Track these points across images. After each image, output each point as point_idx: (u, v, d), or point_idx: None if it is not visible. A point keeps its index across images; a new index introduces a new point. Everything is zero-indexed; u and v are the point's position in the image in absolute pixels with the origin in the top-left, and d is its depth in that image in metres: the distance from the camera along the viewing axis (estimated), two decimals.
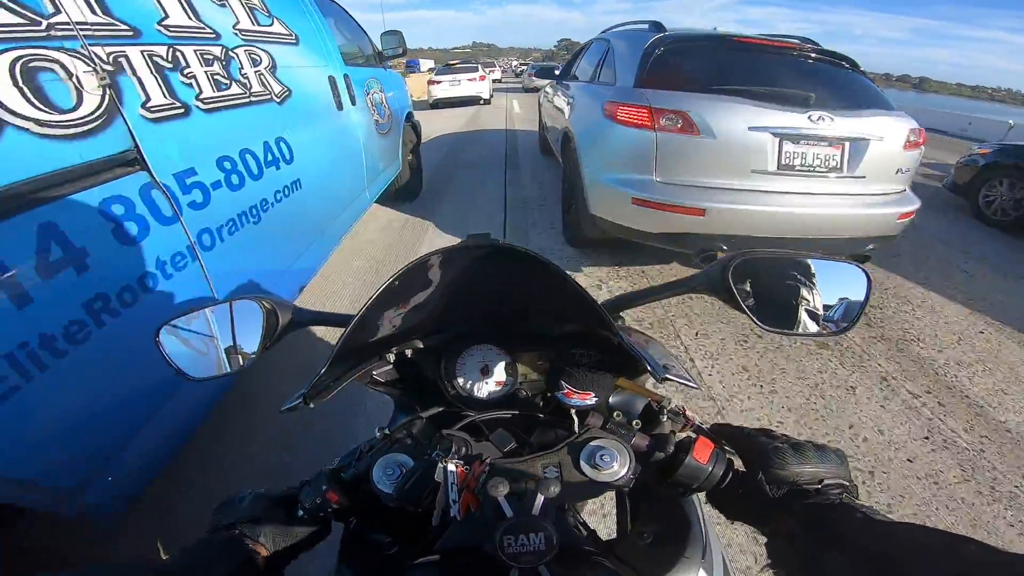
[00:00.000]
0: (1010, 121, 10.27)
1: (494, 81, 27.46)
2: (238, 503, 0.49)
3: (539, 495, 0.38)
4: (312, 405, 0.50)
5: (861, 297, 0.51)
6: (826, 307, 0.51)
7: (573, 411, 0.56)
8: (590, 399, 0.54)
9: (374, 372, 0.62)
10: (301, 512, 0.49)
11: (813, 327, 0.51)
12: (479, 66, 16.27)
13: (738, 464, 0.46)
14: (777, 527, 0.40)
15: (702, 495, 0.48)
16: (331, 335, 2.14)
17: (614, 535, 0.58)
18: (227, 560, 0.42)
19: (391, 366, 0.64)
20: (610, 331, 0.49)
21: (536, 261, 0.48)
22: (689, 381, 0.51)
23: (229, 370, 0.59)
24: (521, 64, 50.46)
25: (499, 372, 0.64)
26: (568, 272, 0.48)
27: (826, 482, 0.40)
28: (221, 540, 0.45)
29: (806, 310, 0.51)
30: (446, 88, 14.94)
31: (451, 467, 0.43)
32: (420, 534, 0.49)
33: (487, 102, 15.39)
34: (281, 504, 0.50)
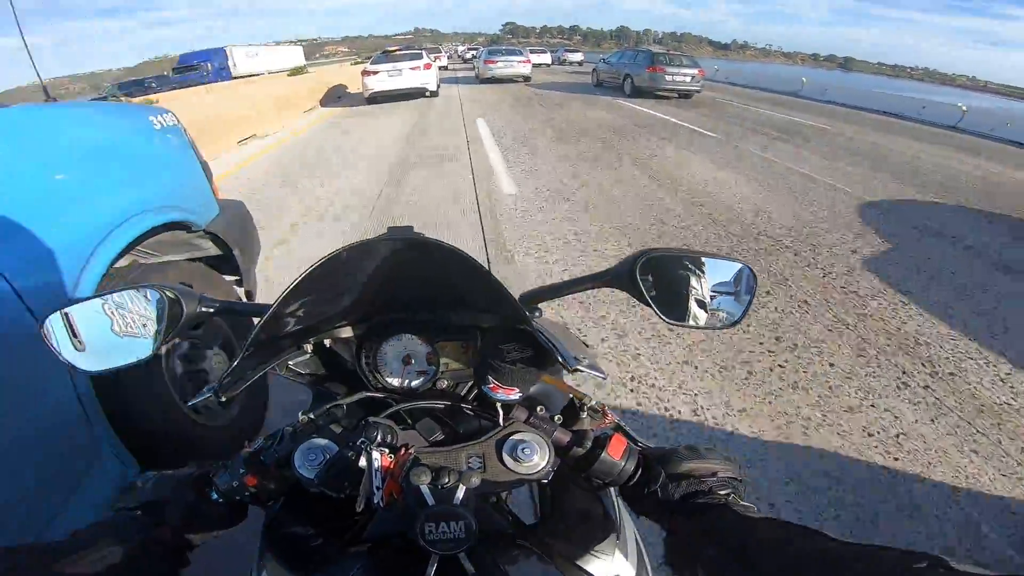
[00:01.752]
0: (961, 105, 11.32)
1: (441, 69, 24.13)
2: (142, 485, 0.48)
3: (460, 485, 0.40)
4: (224, 399, 0.51)
5: (748, 291, 0.56)
6: (717, 300, 0.56)
7: (498, 404, 0.56)
8: (514, 394, 0.55)
9: (291, 362, 0.61)
10: (215, 495, 0.48)
11: (705, 319, 0.56)
12: (423, 52, 13.04)
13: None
14: (674, 523, 0.44)
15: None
16: None
17: (534, 520, 0.60)
18: (123, 541, 0.41)
19: (309, 356, 0.63)
20: (524, 322, 0.52)
21: (455, 254, 0.48)
22: (599, 373, 0.55)
23: (125, 362, 0.55)
24: (469, 48, 44.63)
25: (420, 362, 0.64)
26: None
27: (719, 474, 0.45)
28: (118, 521, 0.44)
29: (700, 304, 0.56)
30: (383, 80, 12.36)
31: (376, 454, 0.43)
32: (342, 522, 0.51)
33: (434, 94, 13.06)
34: (190, 485, 0.48)
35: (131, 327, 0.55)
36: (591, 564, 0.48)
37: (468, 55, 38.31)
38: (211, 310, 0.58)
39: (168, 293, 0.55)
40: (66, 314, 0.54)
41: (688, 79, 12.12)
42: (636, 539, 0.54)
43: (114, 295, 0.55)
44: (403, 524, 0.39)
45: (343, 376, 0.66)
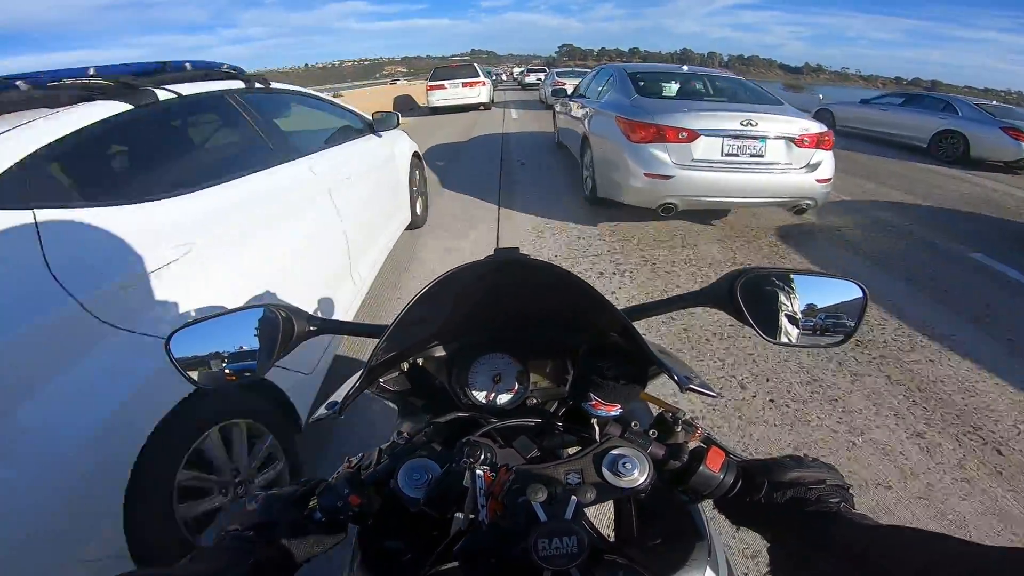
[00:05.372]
0: None
1: (480, 108, 12.21)
2: (250, 505, 0.48)
3: (573, 499, 0.39)
4: (343, 416, 0.54)
5: (857, 309, 0.54)
6: (825, 319, 0.54)
7: (594, 420, 0.57)
8: (616, 411, 0.55)
9: (381, 379, 0.63)
10: (319, 514, 0.47)
11: (812, 339, 0.55)
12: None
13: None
14: (778, 533, 0.43)
15: (708, 501, 0.49)
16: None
17: (611, 536, 0.58)
18: (238, 564, 0.41)
19: (399, 374, 0.65)
20: (636, 341, 0.51)
21: (564, 274, 0.49)
22: (710, 392, 0.55)
23: (239, 379, 0.58)
24: (529, 70, 29.73)
25: (510, 380, 0.65)
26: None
27: (828, 483, 0.42)
28: (232, 544, 0.44)
29: (801, 322, 0.54)
30: None
31: (479, 472, 0.43)
32: (432, 539, 0.50)
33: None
34: (295, 505, 0.48)
35: (246, 345, 0.57)
36: None
37: (526, 79, 26.04)
38: (318, 328, 0.60)
39: (281, 312, 0.57)
40: (185, 332, 0.56)
41: None
42: (724, 552, 0.53)
43: (229, 315, 0.58)
44: (502, 541, 0.38)
45: (426, 391, 0.67)
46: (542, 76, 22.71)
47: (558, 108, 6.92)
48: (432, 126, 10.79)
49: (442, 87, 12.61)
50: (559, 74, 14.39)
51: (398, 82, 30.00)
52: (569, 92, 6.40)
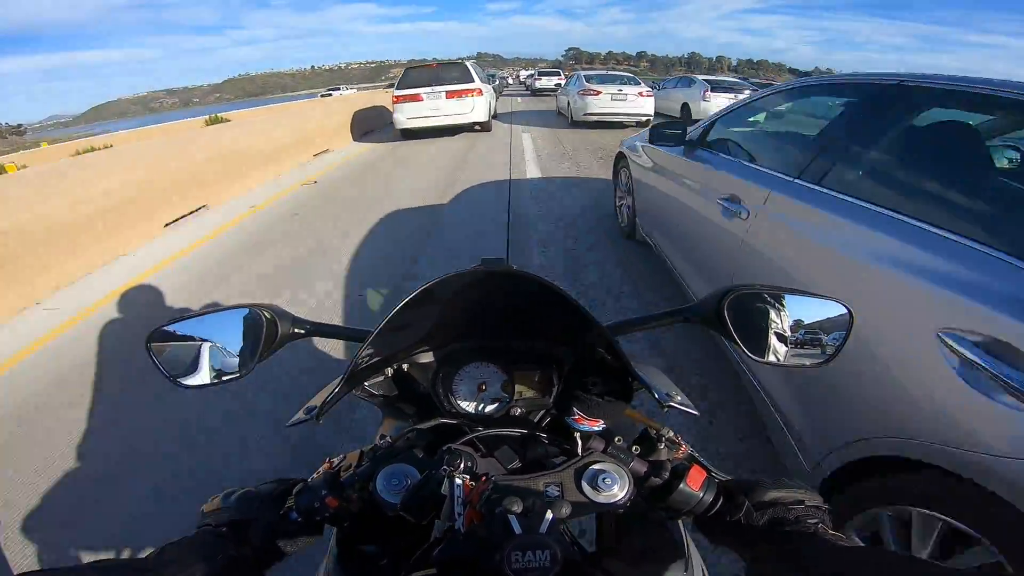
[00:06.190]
0: None
1: (475, 127, 8.25)
2: (226, 501, 0.48)
3: (549, 513, 0.39)
4: (321, 422, 0.53)
5: (841, 330, 0.54)
6: (810, 337, 0.54)
7: (577, 434, 0.57)
8: (599, 426, 0.56)
9: (366, 383, 0.64)
10: (294, 514, 0.47)
11: (798, 357, 0.55)
12: None
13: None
14: (757, 553, 0.42)
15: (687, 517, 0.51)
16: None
17: (591, 548, 0.59)
18: (209, 560, 0.40)
19: (384, 378, 0.65)
20: (619, 358, 0.53)
21: (548, 288, 0.50)
22: (691, 409, 0.56)
23: (223, 379, 0.57)
24: (541, 73, 25.58)
25: (495, 389, 0.65)
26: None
27: (807, 503, 0.43)
28: (204, 539, 0.43)
29: (788, 340, 0.54)
30: None
31: (458, 481, 0.43)
32: (409, 545, 0.51)
33: None
34: (271, 503, 0.48)
35: (229, 345, 0.56)
36: None
37: (548, 83, 21.18)
38: (303, 331, 0.60)
39: (265, 313, 0.57)
40: (169, 332, 0.55)
41: None
42: (703, 569, 0.54)
43: (213, 313, 0.57)
44: (477, 550, 0.38)
45: (413, 397, 0.67)
46: (559, 80, 18.50)
47: (643, 162, 2.88)
48: (389, 169, 6.58)
49: (415, 98, 8.04)
50: (589, 79, 10.06)
51: (339, 92, 21.80)
52: (691, 129, 2.29)
